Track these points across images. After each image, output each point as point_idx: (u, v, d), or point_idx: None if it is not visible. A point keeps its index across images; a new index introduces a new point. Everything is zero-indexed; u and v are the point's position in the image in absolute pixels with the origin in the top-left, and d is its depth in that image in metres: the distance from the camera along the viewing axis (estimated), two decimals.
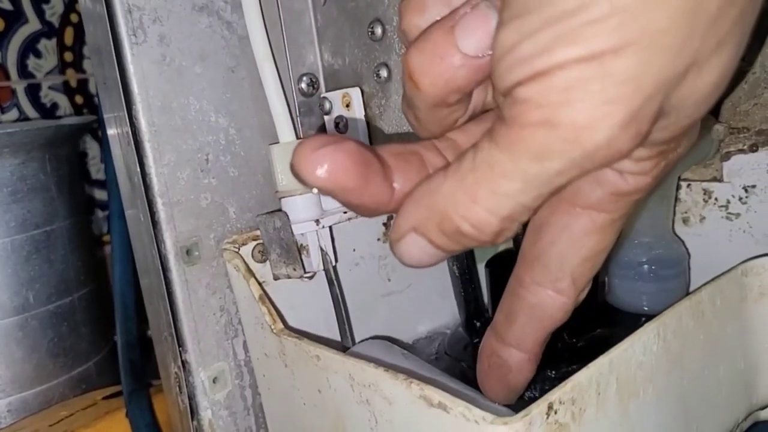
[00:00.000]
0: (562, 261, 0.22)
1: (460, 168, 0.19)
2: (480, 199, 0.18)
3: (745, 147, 0.33)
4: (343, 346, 0.36)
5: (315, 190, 0.19)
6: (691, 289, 0.36)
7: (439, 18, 0.20)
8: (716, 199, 0.35)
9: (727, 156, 0.34)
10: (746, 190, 0.34)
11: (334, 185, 0.19)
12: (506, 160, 0.17)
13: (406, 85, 0.21)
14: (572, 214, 0.21)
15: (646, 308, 0.35)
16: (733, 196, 0.34)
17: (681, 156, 0.21)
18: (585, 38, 0.16)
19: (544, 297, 0.23)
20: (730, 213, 0.35)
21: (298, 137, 0.35)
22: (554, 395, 0.20)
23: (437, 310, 0.42)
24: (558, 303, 0.22)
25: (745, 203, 0.34)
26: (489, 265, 0.36)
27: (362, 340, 0.38)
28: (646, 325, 0.24)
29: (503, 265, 0.32)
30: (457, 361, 0.37)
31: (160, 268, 0.33)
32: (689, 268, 0.36)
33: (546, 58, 0.16)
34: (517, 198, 0.18)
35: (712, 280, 0.28)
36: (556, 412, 0.20)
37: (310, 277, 0.35)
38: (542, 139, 0.17)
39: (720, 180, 0.35)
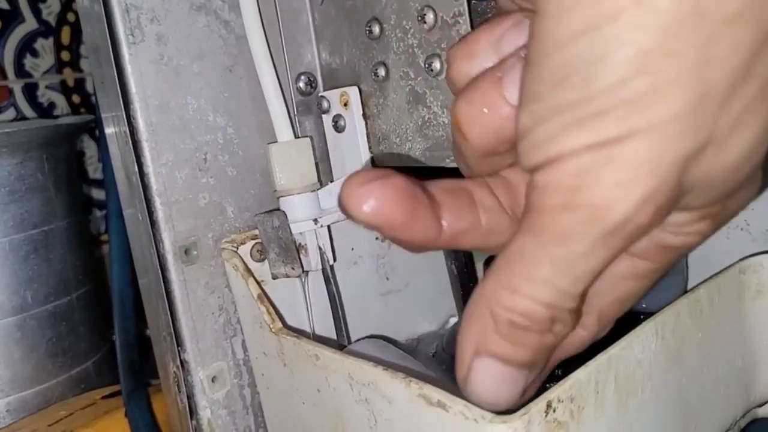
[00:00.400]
0: (593, 297, 0.21)
1: (495, 266, 0.19)
2: (519, 288, 0.18)
3: None
4: (339, 344, 0.36)
5: (362, 226, 0.19)
6: (689, 286, 0.36)
7: (488, 65, 0.20)
8: None
9: None
10: None
11: (381, 220, 0.19)
12: (534, 247, 0.17)
13: (454, 135, 0.21)
14: None
15: (644, 306, 0.35)
16: None
17: (736, 212, 0.20)
18: (592, 127, 0.16)
19: None
20: None
21: (296, 136, 0.35)
22: (553, 393, 0.20)
23: (436, 308, 0.42)
24: (578, 336, 0.22)
25: None
26: (488, 263, 0.37)
27: (358, 339, 0.38)
28: (644, 323, 0.24)
29: None
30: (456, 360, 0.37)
31: (159, 267, 0.33)
32: (687, 266, 0.36)
33: (556, 145, 0.16)
34: (554, 283, 0.18)
35: (710, 278, 0.28)
36: (554, 411, 0.20)
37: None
38: (563, 222, 0.17)
39: None
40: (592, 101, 0.16)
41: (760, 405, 0.32)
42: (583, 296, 0.18)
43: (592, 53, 0.16)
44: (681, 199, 0.17)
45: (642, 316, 0.31)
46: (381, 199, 0.19)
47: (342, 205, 0.19)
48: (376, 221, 0.19)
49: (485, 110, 0.20)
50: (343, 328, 0.36)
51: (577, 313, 0.19)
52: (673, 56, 0.15)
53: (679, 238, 0.20)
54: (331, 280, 0.36)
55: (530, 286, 0.18)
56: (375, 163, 0.36)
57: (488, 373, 0.19)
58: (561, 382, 0.21)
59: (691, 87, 0.15)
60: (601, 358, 0.22)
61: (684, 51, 0.15)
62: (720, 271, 0.29)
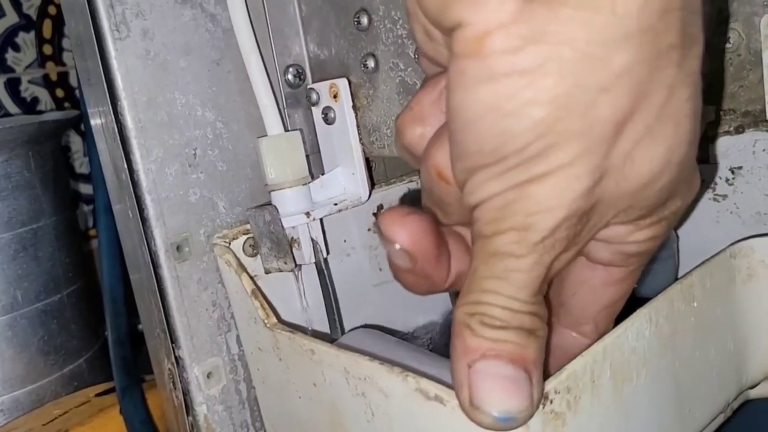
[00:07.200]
0: (584, 309, 0.24)
1: (462, 289, 0.21)
2: (477, 299, 0.20)
3: (732, 129, 0.34)
4: (332, 338, 0.36)
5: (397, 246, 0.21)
6: (681, 271, 0.36)
7: (437, 124, 0.22)
8: (703, 180, 0.35)
9: (713, 138, 0.34)
10: (733, 172, 0.34)
11: (417, 249, 0.21)
12: (481, 265, 0.20)
13: (434, 186, 0.23)
14: (591, 268, 0.23)
15: (637, 292, 0.35)
16: (720, 178, 0.35)
17: (678, 215, 0.22)
18: (507, 177, 0.19)
19: (568, 338, 0.25)
20: (717, 194, 0.35)
21: (286, 129, 0.35)
22: (549, 385, 0.20)
23: (429, 299, 0.42)
24: (581, 343, 0.24)
25: (731, 185, 0.35)
26: None
27: (351, 329, 0.38)
28: (638, 310, 0.25)
29: None
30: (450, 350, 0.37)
31: (151, 264, 0.33)
32: (678, 251, 0.36)
33: (484, 190, 0.20)
34: (499, 292, 0.20)
35: (702, 263, 0.29)
36: (551, 402, 0.20)
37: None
38: (496, 244, 0.19)
39: (707, 162, 0.35)
40: (504, 161, 0.19)
41: (752, 387, 0.32)
42: (534, 298, 0.20)
43: (497, 128, 0.18)
44: (595, 214, 0.20)
45: (635, 302, 0.31)
46: (418, 231, 0.21)
47: (382, 233, 0.22)
48: (412, 247, 0.21)
49: None
50: (337, 322, 0.36)
51: (540, 312, 0.20)
52: (562, 121, 0.18)
53: (633, 246, 0.22)
54: (325, 273, 0.36)
55: (484, 296, 0.20)
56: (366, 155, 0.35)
57: (486, 376, 0.19)
58: (557, 373, 0.21)
59: (579, 141, 0.18)
60: (596, 347, 0.22)
61: (570, 116, 0.18)
62: (711, 256, 0.29)
